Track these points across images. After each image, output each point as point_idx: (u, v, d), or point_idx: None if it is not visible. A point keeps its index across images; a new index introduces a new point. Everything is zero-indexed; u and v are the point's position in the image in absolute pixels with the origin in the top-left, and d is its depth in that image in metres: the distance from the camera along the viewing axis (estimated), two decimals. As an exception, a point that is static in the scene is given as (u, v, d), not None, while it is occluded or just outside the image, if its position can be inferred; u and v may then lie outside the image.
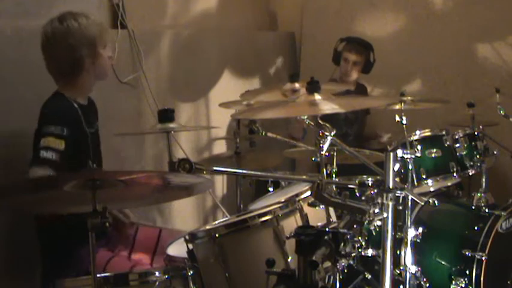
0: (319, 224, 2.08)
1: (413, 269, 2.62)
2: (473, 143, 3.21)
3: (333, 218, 2.27)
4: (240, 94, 3.30)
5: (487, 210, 2.97)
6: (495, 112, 3.38)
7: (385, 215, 1.80)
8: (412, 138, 3.03)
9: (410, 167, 2.82)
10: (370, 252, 2.51)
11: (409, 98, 2.99)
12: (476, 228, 2.89)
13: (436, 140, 3.14)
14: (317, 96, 2.02)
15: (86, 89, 2.61)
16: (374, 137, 4.15)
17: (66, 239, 2.43)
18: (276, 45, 4.98)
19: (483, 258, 2.77)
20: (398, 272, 2.61)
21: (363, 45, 4.09)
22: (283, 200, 2.18)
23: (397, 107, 2.97)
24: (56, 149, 2.35)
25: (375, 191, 1.83)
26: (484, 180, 3.13)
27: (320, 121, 1.95)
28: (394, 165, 1.81)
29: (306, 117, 2.17)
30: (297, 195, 2.18)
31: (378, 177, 1.89)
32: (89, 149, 2.56)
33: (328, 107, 2.02)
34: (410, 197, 2.23)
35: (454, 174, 3.13)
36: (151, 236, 2.71)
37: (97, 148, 2.67)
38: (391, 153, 1.81)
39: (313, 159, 2.98)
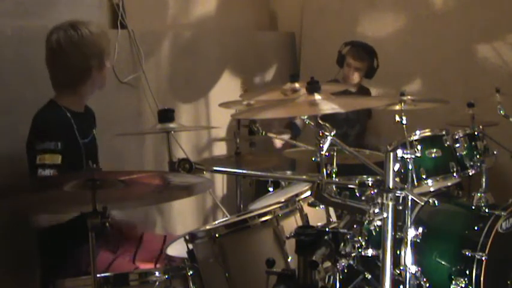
0: (319, 224, 2.08)
1: (413, 269, 2.62)
2: (473, 143, 3.21)
3: (333, 218, 2.28)
4: (240, 94, 3.30)
5: (487, 210, 2.97)
6: (495, 112, 3.38)
7: (385, 215, 1.81)
8: (412, 138, 3.03)
9: (410, 167, 2.82)
10: (370, 252, 2.51)
11: (409, 98, 2.99)
12: (476, 228, 2.90)
13: (436, 140, 3.14)
14: (317, 96, 2.02)
15: (85, 98, 2.60)
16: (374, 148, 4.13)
17: (66, 239, 2.43)
18: (276, 45, 4.98)
19: (483, 258, 2.77)
20: (398, 272, 2.61)
21: (367, 52, 4.06)
22: (283, 200, 2.18)
23: (397, 107, 2.97)
24: (52, 164, 2.33)
25: (375, 191, 1.83)
26: (484, 180, 3.13)
27: (320, 121, 1.95)
28: (394, 165, 1.81)
29: (306, 117, 2.17)
30: (297, 195, 2.18)
31: (378, 177, 1.89)
32: (81, 161, 2.51)
33: (328, 107, 2.02)
34: (410, 197, 2.23)
35: (454, 174, 3.13)
36: (156, 243, 2.70)
37: (93, 156, 2.64)
38: (391, 153, 1.81)
39: (313, 159, 2.97)
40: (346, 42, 4.13)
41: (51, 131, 2.40)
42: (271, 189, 2.77)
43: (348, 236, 1.84)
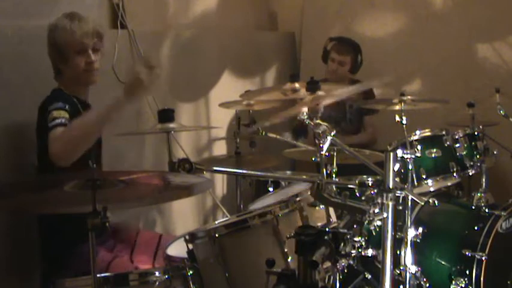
0: (319, 224, 2.08)
1: (413, 269, 2.62)
2: (473, 143, 3.20)
3: (333, 218, 2.27)
4: (240, 94, 3.30)
5: (487, 210, 2.96)
6: (495, 112, 3.39)
7: (385, 215, 1.81)
8: (412, 138, 3.03)
9: (410, 167, 2.82)
10: (370, 252, 2.51)
11: (409, 98, 2.99)
12: (476, 228, 2.89)
13: (436, 140, 3.13)
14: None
15: (75, 87, 2.58)
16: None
17: (66, 237, 2.43)
18: (276, 45, 4.98)
19: (483, 258, 2.77)
20: (398, 272, 2.61)
21: (351, 47, 4.11)
22: (283, 200, 2.18)
23: (397, 107, 2.97)
24: (61, 117, 2.33)
25: (375, 191, 1.83)
26: (484, 180, 3.13)
27: (320, 121, 1.95)
28: (394, 165, 1.81)
29: (306, 116, 2.17)
30: (297, 195, 2.18)
31: (378, 177, 1.89)
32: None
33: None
34: (410, 197, 2.23)
35: (454, 174, 3.12)
36: (152, 241, 2.71)
37: (96, 145, 2.65)
38: (391, 153, 1.81)
39: (313, 159, 2.97)
40: (331, 37, 4.16)
41: (59, 100, 2.41)
42: (271, 189, 2.77)
43: (348, 236, 1.84)
